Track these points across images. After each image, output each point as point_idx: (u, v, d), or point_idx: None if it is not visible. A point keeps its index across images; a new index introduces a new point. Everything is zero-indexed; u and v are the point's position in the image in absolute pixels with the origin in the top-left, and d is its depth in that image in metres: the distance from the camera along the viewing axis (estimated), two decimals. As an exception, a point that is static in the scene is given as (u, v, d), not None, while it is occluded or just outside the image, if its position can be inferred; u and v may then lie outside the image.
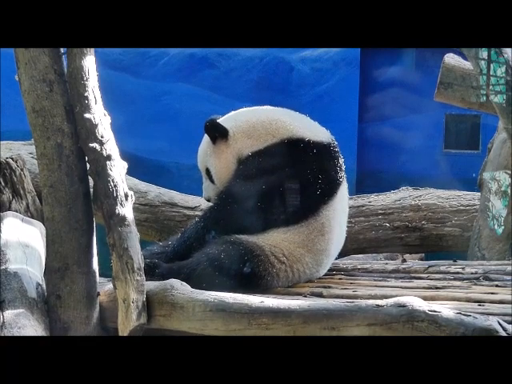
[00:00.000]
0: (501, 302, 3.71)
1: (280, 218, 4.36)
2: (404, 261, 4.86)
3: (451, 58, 5.74)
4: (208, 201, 4.76)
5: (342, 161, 4.52)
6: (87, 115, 3.57)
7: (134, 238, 3.62)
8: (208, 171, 4.66)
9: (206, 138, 4.68)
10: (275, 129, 4.48)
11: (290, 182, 4.37)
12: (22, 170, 4.47)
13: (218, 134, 4.56)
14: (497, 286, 4.11)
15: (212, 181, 4.65)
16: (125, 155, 3.72)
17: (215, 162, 4.60)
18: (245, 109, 4.74)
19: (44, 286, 3.72)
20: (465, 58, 5.23)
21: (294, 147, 4.41)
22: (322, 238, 4.39)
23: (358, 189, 8.99)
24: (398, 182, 7.21)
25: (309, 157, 4.39)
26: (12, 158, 4.45)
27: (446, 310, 3.18)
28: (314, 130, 4.53)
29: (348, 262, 4.92)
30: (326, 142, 4.50)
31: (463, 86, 5.64)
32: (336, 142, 4.54)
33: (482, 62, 4.68)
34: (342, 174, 4.50)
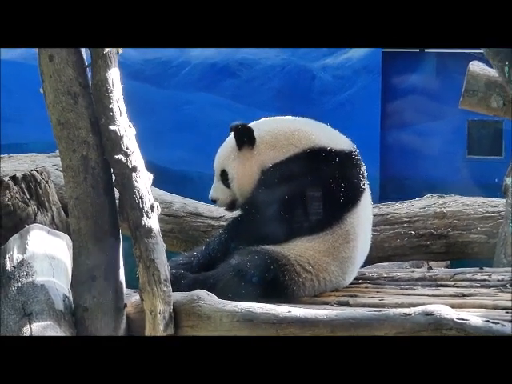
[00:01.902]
0: (528, 309, 3.69)
1: (304, 227, 4.36)
2: (430, 268, 4.83)
3: (476, 66, 5.72)
4: (213, 202, 4.75)
5: (364, 168, 4.53)
6: (112, 127, 3.59)
7: (160, 249, 3.62)
8: (224, 173, 4.66)
9: (231, 140, 4.66)
10: (297, 139, 4.49)
11: (313, 190, 4.38)
12: (46, 182, 4.48)
13: (247, 140, 4.56)
14: (524, 292, 4.09)
15: (227, 184, 4.65)
16: (147, 165, 3.73)
17: (238, 169, 4.58)
18: (266, 119, 4.73)
19: (71, 298, 3.72)
20: (489, 65, 5.20)
21: (317, 156, 4.42)
22: (347, 246, 4.38)
23: (381, 196, 8.97)
24: (421, 188, 7.20)
25: (331, 165, 4.40)
26: (37, 171, 4.47)
27: (474, 317, 3.17)
28: (335, 139, 4.54)
29: (374, 271, 4.90)
30: (348, 150, 4.51)
31: (488, 94, 5.61)
32: (357, 150, 4.56)
33: (506, 68, 4.65)
34: (365, 182, 4.52)
